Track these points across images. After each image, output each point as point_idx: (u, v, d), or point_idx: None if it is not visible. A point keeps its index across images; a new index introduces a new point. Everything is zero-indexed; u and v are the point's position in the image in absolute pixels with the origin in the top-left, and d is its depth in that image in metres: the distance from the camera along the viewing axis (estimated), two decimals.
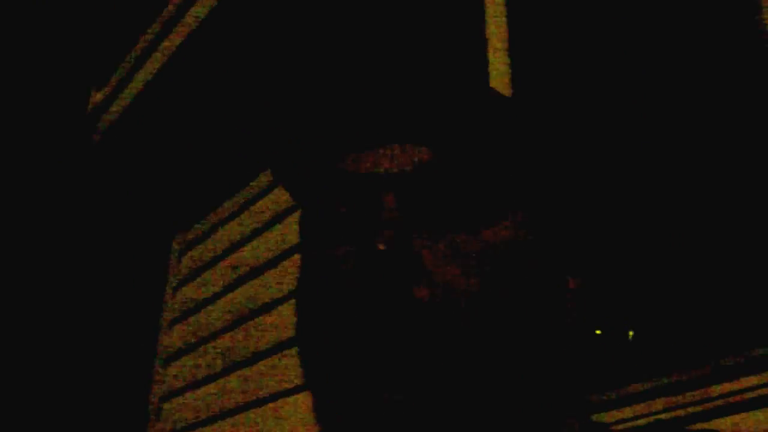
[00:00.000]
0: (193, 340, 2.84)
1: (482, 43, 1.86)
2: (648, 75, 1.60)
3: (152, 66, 2.83)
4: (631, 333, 1.46)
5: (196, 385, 2.73)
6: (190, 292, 2.99)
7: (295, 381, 2.19)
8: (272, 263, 2.52)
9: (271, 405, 2.29)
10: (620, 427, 1.34)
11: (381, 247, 0.50)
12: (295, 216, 2.46)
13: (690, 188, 1.46)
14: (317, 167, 0.61)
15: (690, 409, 1.31)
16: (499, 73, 1.78)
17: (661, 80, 1.57)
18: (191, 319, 2.91)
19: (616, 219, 1.44)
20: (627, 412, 1.37)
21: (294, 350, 2.20)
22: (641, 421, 1.35)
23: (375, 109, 0.58)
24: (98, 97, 3.41)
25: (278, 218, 2.56)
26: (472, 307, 0.50)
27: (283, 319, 2.36)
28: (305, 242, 0.60)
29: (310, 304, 0.56)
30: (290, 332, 2.28)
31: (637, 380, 1.38)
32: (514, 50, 1.83)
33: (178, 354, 2.91)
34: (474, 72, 1.82)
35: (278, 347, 2.34)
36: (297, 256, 2.40)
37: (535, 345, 0.54)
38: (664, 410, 1.33)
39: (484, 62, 1.82)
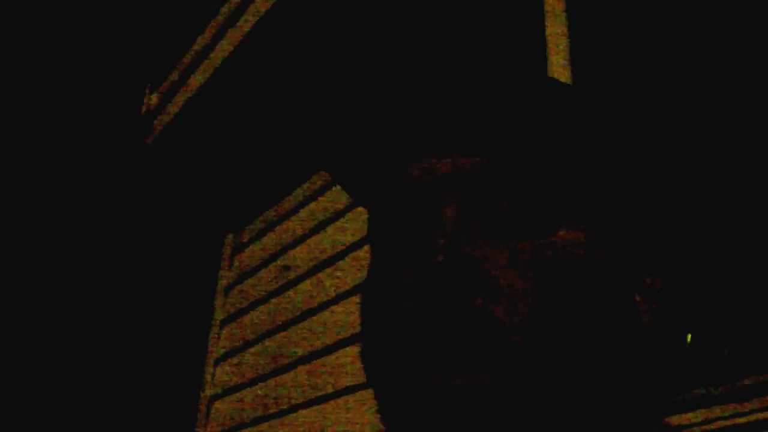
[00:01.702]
0: (244, 341, 2.85)
1: (541, 36, 1.84)
2: (720, 68, 1.56)
3: (208, 68, 2.85)
4: (689, 337, 1.43)
5: (247, 384, 2.74)
6: (241, 292, 3.01)
7: (350, 381, 2.18)
8: (326, 264, 2.52)
9: (323, 405, 2.29)
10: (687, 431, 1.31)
11: (440, 258, 0.49)
12: (349, 216, 2.46)
13: None
14: (377, 171, 0.60)
15: (759, 415, 1.28)
16: (558, 65, 1.76)
17: (736, 73, 1.54)
18: (243, 320, 2.93)
19: (693, 219, 1.41)
20: (694, 415, 1.34)
21: (347, 350, 2.20)
22: (710, 426, 1.31)
23: (434, 107, 0.56)
24: (153, 99, 3.46)
25: (332, 219, 2.56)
26: (536, 315, 0.49)
27: (337, 320, 2.35)
28: (371, 247, 0.60)
29: (374, 312, 0.55)
30: (343, 333, 2.29)
31: (706, 384, 1.34)
32: (573, 40, 1.80)
33: (230, 354, 2.93)
34: (533, 61, 1.80)
35: (332, 347, 2.34)
36: (351, 257, 2.40)
37: (607, 349, 0.52)
38: (734, 415, 1.29)
39: (543, 54, 1.79)
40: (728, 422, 1.28)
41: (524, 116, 0.54)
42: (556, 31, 1.81)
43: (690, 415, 1.32)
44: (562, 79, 1.76)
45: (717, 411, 1.31)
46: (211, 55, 2.85)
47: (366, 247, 2.31)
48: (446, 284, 0.49)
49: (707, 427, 1.30)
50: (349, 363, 2.22)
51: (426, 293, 0.49)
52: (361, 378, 2.09)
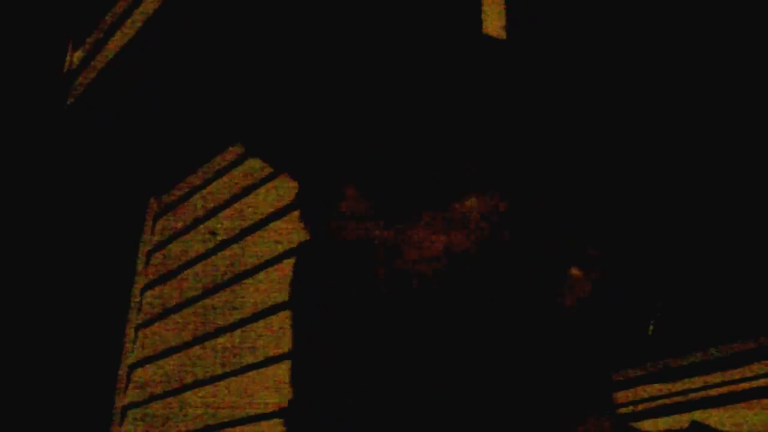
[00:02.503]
0: (167, 307, 2.79)
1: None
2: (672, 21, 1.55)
3: (132, 26, 2.75)
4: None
5: (168, 352, 2.69)
6: (165, 257, 2.94)
7: (275, 350, 2.15)
8: (251, 229, 2.47)
9: (248, 374, 2.26)
10: None
11: (340, 236, 0.47)
12: (274, 183, 2.41)
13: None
14: (294, 147, 0.56)
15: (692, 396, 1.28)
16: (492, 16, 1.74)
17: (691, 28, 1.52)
18: (166, 285, 2.86)
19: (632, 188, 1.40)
20: (622, 395, 1.33)
21: (272, 318, 2.17)
22: (637, 407, 1.31)
23: (350, 68, 0.52)
24: (75, 58, 3.32)
25: (257, 184, 2.51)
26: (438, 294, 0.45)
27: (262, 287, 2.32)
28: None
29: (302, 293, 0.52)
30: (269, 300, 2.25)
31: (634, 364, 1.33)
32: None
33: (151, 321, 2.86)
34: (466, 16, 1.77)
35: (257, 316, 2.30)
36: (276, 223, 2.36)
37: (524, 333, 0.47)
38: (665, 395, 1.29)
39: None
40: (657, 402, 1.29)
41: (449, 75, 0.51)
42: None
43: (619, 394, 1.33)
44: (497, 31, 1.73)
45: (648, 390, 1.31)
46: (136, 12, 2.74)
47: (293, 214, 2.27)
48: (344, 261, 0.47)
49: (637, 407, 1.30)
50: (273, 331, 2.19)
51: (329, 274, 0.47)
52: (285, 347, 2.06)
